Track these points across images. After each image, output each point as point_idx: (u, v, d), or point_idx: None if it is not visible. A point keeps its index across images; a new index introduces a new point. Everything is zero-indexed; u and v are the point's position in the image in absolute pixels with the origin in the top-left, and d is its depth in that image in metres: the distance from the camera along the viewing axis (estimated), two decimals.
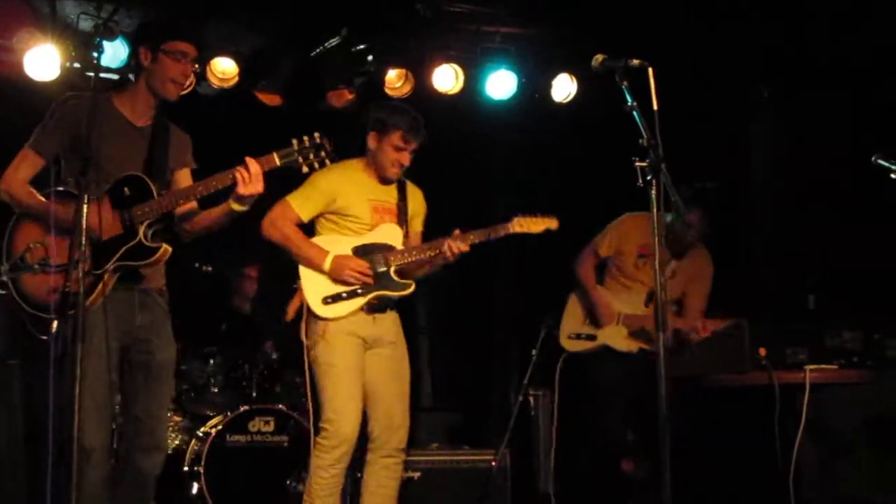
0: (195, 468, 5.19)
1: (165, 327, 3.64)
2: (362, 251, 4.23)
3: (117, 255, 3.45)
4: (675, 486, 3.10)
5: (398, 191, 4.39)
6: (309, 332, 4.22)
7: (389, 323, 4.33)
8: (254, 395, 5.65)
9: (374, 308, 4.24)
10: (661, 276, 4.88)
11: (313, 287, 4.20)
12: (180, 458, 5.34)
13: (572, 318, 5.22)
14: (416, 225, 4.46)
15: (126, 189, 3.47)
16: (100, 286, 3.41)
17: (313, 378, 4.22)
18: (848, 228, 5.73)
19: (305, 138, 3.64)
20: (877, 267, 5.51)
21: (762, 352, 4.71)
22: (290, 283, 4.33)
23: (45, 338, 3.29)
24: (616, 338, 5.03)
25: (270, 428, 5.32)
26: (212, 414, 5.57)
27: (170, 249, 3.54)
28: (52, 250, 3.36)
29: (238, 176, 3.51)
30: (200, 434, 5.36)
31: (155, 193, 3.49)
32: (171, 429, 5.59)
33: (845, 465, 5.03)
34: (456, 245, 4.20)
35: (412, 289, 4.27)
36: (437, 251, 4.24)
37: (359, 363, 4.21)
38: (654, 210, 3.20)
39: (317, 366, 4.19)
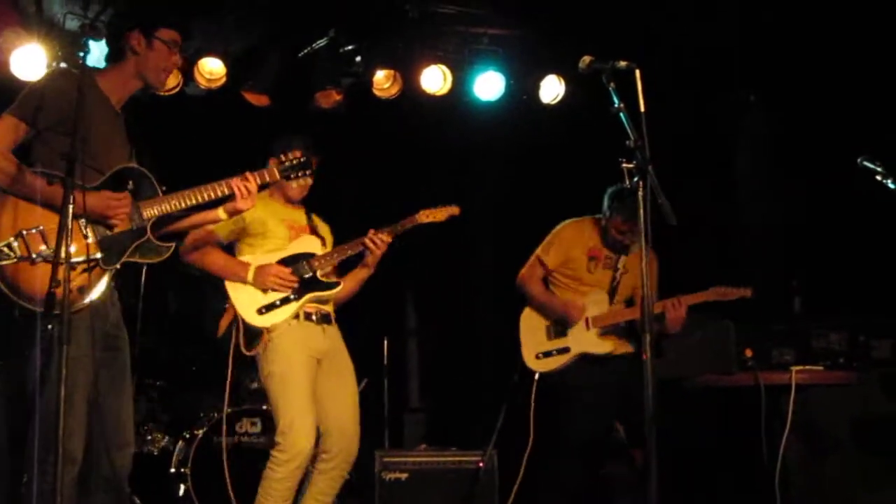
0: (182, 470, 5.17)
1: (123, 322, 3.54)
2: (285, 263, 4.35)
3: (129, 251, 3.39)
4: (662, 486, 3.10)
5: (307, 216, 4.56)
6: (250, 346, 4.29)
7: (338, 336, 4.47)
8: (241, 395, 5.64)
9: (322, 319, 4.37)
10: (615, 272, 4.95)
11: (245, 300, 4.29)
12: (167, 459, 5.32)
13: (533, 336, 5.02)
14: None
15: (130, 182, 3.39)
16: (108, 282, 3.33)
17: (267, 391, 4.29)
18: (834, 230, 5.75)
19: (289, 154, 3.80)
20: (863, 269, 5.54)
21: (748, 353, 4.73)
22: None
23: (33, 335, 3.13)
24: (590, 342, 4.86)
25: (257, 429, 5.30)
26: (199, 415, 5.56)
27: (173, 247, 3.51)
28: (52, 238, 3.10)
29: (239, 190, 3.52)
30: (187, 435, 5.34)
31: (159, 191, 3.46)
32: (157, 430, 5.57)
33: (831, 466, 5.05)
34: (378, 237, 4.39)
35: (341, 287, 4.42)
36: (359, 247, 4.42)
37: (312, 375, 4.28)
38: (642, 211, 3.21)
39: (271, 380, 4.25)
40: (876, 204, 4.29)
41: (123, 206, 3.35)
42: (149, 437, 5.54)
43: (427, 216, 4.61)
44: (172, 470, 5.25)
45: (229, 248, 4.45)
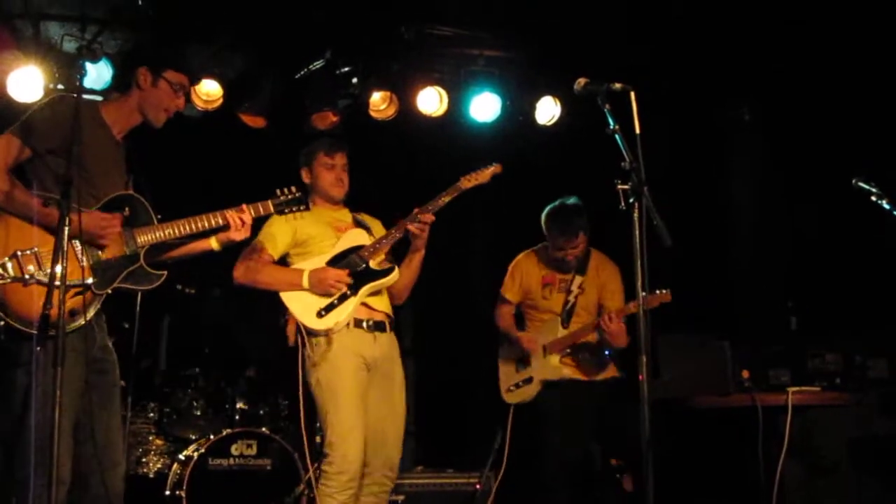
0: (177, 492, 5.13)
1: (110, 345, 3.55)
2: (336, 261, 4.29)
3: (121, 277, 3.40)
4: None
5: (352, 216, 4.52)
6: (311, 355, 4.20)
7: (390, 343, 4.37)
8: (236, 418, 5.62)
9: (373, 326, 4.27)
10: (568, 295, 4.99)
11: (302, 307, 4.22)
12: (162, 482, 5.29)
13: (507, 369, 5.19)
14: None
15: (126, 209, 3.42)
16: (96, 305, 3.34)
17: (313, 401, 4.20)
18: (829, 250, 5.76)
19: (286, 190, 3.83)
20: (858, 289, 5.55)
21: (745, 374, 4.73)
22: (268, 306, 4.33)
23: (16, 357, 3.16)
24: (549, 369, 4.97)
25: (253, 451, 5.27)
26: (194, 437, 5.53)
27: (165, 275, 3.51)
28: (46, 260, 3.16)
29: (233, 221, 3.54)
30: (182, 458, 5.31)
31: (154, 218, 3.47)
32: (152, 452, 5.55)
33: (829, 487, 5.03)
34: (422, 217, 4.29)
35: (397, 272, 4.33)
36: (405, 229, 4.32)
37: (362, 387, 4.20)
38: (637, 232, 3.21)
39: (320, 389, 4.17)
40: (871, 224, 4.30)
41: (113, 227, 3.37)
42: (144, 460, 5.51)
43: (469, 181, 4.46)
44: (167, 492, 5.22)
45: (281, 262, 4.39)
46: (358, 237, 4.38)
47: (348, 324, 4.22)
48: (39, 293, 3.11)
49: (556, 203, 5.10)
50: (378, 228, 4.54)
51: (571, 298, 5.03)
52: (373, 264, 4.30)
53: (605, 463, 5.18)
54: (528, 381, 5.04)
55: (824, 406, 4.81)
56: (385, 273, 4.31)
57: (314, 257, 4.31)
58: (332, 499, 4.05)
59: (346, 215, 4.50)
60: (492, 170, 4.54)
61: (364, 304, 4.28)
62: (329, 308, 4.20)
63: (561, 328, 5.00)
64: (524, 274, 5.20)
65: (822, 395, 4.73)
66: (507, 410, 5.13)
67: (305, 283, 4.21)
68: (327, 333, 4.18)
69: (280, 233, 4.32)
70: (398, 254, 4.50)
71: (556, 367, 4.97)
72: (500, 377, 5.20)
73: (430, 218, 4.31)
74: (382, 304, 4.37)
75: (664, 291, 4.59)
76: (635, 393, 3.14)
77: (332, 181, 4.41)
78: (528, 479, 4.94)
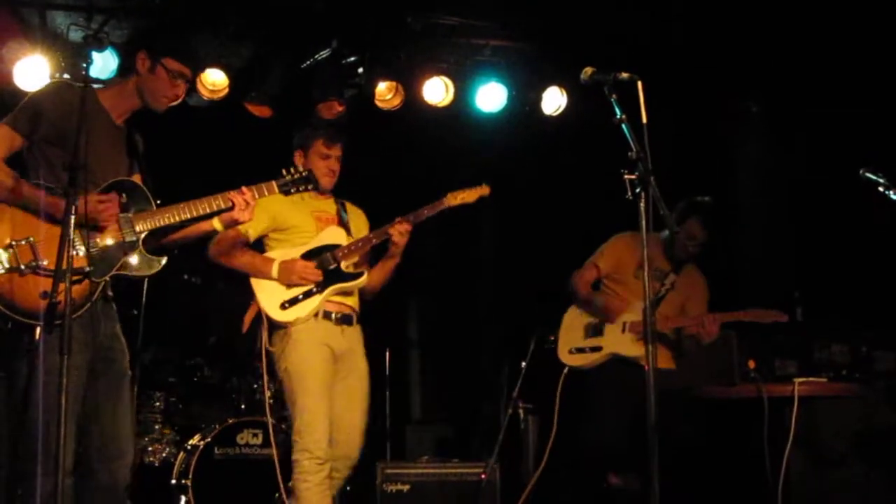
0: (183, 481, 5.15)
1: (120, 334, 3.52)
2: (309, 255, 4.33)
3: (119, 264, 3.37)
4: (664, 499, 3.09)
5: (338, 205, 4.53)
6: (274, 342, 4.28)
7: (356, 337, 4.43)
8: (242, 407, 5.63)
9: (341, 319, 4.33)
10: (661, 286, 4.95)
11: (268, 296, 4.28)
12: (168, 470, 5.31)
13: (571, 333, 5.12)
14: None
15: (123, 195, 3.39)
16: (98, 293, 3.31)
17: (283, 388, 4.27)
18: (835, 241, 5.75)
19: (292, 169, 3.81)
20: (865, 280, 5.53)
21: (751, 364, 4.72)
22: None
23: (20, 347, 3.16)
24: (624, 344, 4.90)
25: (259, 441, 5.29)
26: (200, 426, 5.55)
27: (164, 261, 3.49)
28: (41, 250, 3.16)
29: (237, 201, 3.54)
30: (188, 447, 5.33)
31: (153, 204, 3.46)
32: (159, 442, 5.56)
33: (834, 478, 5.02)
34: (401, 226, 4.32)
35: (365, 277, 4.37)
36: (384, 236, 4.36)
37: (329, 376, 4.27)
38: (643, 222, 3.20)
39: (287, 377, 4.24)
40: (878, 215, 4.28)
41: (110, 208, 3.33)
42: (150, 449, 5.53)
43: (456, 198, 4.48)
44: (173, 481, 5.24)
45: (258, 245, 4.43)
46: (335, 236, 4.41)
47: (317, 314, 4.28)
48: (35, 283, 3.12)
49: (706, 197, 5.06)
50: (359, 220, 4.58)
51: (662, 290, 4.95)
52: (343, 265, 4.35)
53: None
54: (597, 349, 4.95)
55: (831, 397, 4.79)
56: (353, 277, 4.36)
57: (291, 247, 4.35)
58: (307, 483, 4.12)
59: (330, 205, 4.52)
60: (479, 191, 4.54)
61: (331, 299, 4.33)
62: (293, 301, 4.26)
63: None
64: (623, 250, 5.05)
65: (829, 386, 4.72)
66: (560, 372, 5.09)
67: (275, 272, 4.27)
68: (286, 326, 4.24)
69: (259, 214, 4.21)
70: (376, 253, 4.54)
71: (632, 345, 4.86)
72: (560, 337, 5.11)
73: (406, 227, 4.34)
74: (351, 300, 4.42)
75: (780, 312, 4.64)
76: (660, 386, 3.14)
77: (325, 171, 4.41)
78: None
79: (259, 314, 4.31)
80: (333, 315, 4.32)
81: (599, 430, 4.86)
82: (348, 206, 4.59)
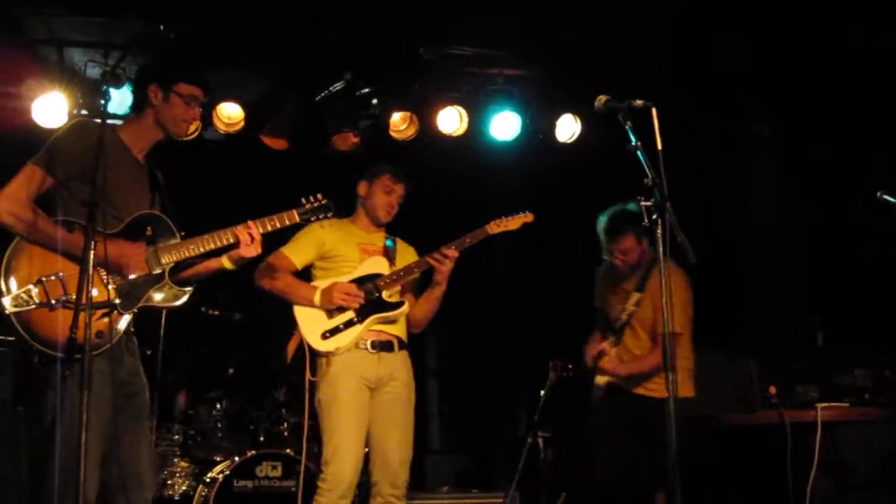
0: None
1: (141, 368, 3.54)
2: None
3: (146, 296, 3.40)
4: None
5: (387, 239, 4.52)
6: (315, 372, 4.26)
7: (398, 363, 4.35)
8: (261, 439, 5.62)
9: (379, 346, 4.28)
10: (632, 307, 4.82)
11: (310, 325, 4.26)
12: (187, 503, 5.31)
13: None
14: None
15: (149, 228, 3.43)
16: (124, 326, 3.34)
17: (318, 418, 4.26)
18: (855, 264, 5.71)
19: (312, 198, 3.78)
20: (885, 303, 5.49)
21: (772, 390, 4.68)
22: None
23: (50, 381, 3.18)
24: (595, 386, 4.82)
25: (278, 473, 5.27)
26: (219, 459, 5.54)
27: (190, 291, 3.51)
28: (71, 284, 3.18)
29: (242, 237, 3.52)
30: (207, 479, 5.31)
31: (178, 235, 3.48)
32: (178, 474, 5.55)
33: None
34: (448, 252, 4.28)
35: (406, 307, 4.34)
36: (426, 265, 4.33)
37: (361, 404, 4.23)
38: (661, 248, 3.19)
39: (319, 406, 4.24)
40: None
41: (137, 255, 3.39)
42: (169, 482, 5.52)
43: (498, 226, 4.45)
44: None
45: (306, 275, 4.42)
46: (377, 265, 4.39)
47: (357, 344, 4.26)
48: (65, 317, 3.12)
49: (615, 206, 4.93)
50: (407, 254, 4.54)
51: (624, 317, 4.75)
52: (385, 295, 4.32)
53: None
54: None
55: (854, 422, 4.75)
56: (394, 306, 4.33)
57: (336, 277, 4.33)
58: None
59: (379, 239, 4.50)
60: (522, 218, 4.51)
61: (373, 328, 4.31)
62: (334, 331, 4.25)
63: (613, 349, 4.77)
64: (599, 283, 4.96)
65: (852, 410, 4.68)
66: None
67: (317, 300, 4.26)
68: (328, 356, 4.23)
69: (307, 243, 4.35)
70: (422, 286, 4.51)
71: (598, 385, 4.78)
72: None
73: (453, 253, 4.31)
74: (395, 328, 4.37)
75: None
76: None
77: (384, 204, 4.44)
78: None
79: (301, 344, 4.27)
80: (369, 343, 4.28)
81: (600, 458, 4.73)
82: (398, 241, 4.57)
